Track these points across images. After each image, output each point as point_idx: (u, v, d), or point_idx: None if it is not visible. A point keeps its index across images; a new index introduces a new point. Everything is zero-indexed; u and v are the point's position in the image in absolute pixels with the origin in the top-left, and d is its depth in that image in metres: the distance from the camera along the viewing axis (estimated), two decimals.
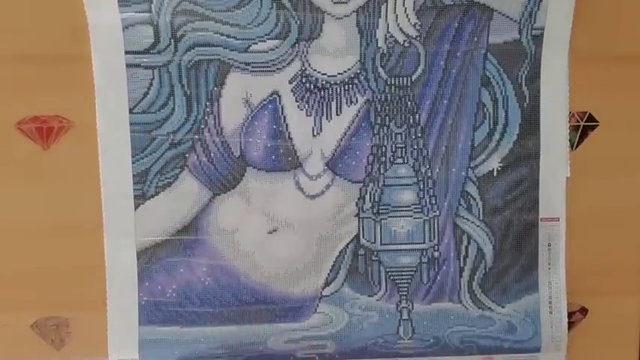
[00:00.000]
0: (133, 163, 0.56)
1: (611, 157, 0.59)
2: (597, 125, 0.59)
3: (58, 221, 0.56)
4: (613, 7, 0.57)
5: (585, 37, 0.57)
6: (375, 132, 0.57)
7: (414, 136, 0.57)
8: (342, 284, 0.58)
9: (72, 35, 0.54)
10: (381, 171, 0.57)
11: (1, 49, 0.55)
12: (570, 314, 0.60)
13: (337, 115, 0.56)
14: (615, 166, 0.60)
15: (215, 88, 0.55)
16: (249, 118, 0.56)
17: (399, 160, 0.57)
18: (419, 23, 0.55)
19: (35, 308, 0.58)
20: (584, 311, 0.61)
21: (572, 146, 0.59)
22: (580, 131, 0.58)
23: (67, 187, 0.56)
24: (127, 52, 0.54)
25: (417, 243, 0.58)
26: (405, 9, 0.55)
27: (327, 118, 0.56)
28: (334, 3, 0.54)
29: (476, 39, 0.56)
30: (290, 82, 0.56)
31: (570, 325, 0.61)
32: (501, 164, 0.58)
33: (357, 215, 0.58)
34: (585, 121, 0.58)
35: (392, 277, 0.58)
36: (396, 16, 0.55)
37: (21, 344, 0.58)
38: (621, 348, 0.57)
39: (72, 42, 0.54)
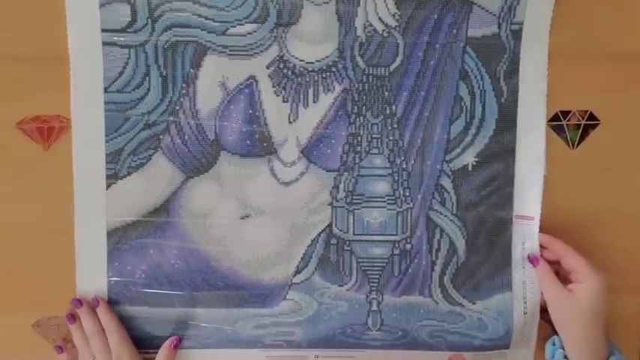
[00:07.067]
0: (107, 142, 0.55)
1: (613, 155, 0.59)
2: (598, 124, 0.58)
3: (60, 221, 0.56)
4: (614, 6, 0.57)
5: (586, 36, 0.57)
6: (352, 121, 0.57)
7: (390, 127, 0.57)
8: (313, 273, 0.58)
9: None
10: (356, 161, 0.57)
11: (2, 50, 0.55)
12: None
13: (314, 102, 0.56)
14: (617, 164, 0.59)
15: (191, 70, 0.55)
16: (225, 102, 0.56)
17: (375, 151, 0.57)
18: (398, 13, 0.55)
19: (36, 308, 0.58)
20: None
21: (573, 145, 0.58)
22: (581, 130, 0.58)
23: (67, 187, 0.56)
24: (103, 30, 0.54)
25: (390, 235, 0.58)
26: None
27: (303, 105, 0.56)
28: None
29: (455, 31, 0.55)
30: (267, 67, 0.55)
31: None
32: (477, 159, 0.57)
33: (331, 204, 0.57)
34: (586, 120, 0.58)
35: (363, 268, 0.58)
36: (376, 5, 0.55)
37: (22, 343, 0.58)
38: (622, 346, 0.56)
39: None
